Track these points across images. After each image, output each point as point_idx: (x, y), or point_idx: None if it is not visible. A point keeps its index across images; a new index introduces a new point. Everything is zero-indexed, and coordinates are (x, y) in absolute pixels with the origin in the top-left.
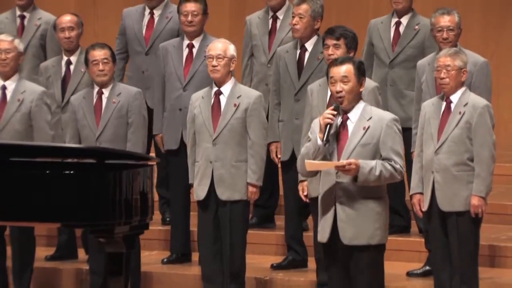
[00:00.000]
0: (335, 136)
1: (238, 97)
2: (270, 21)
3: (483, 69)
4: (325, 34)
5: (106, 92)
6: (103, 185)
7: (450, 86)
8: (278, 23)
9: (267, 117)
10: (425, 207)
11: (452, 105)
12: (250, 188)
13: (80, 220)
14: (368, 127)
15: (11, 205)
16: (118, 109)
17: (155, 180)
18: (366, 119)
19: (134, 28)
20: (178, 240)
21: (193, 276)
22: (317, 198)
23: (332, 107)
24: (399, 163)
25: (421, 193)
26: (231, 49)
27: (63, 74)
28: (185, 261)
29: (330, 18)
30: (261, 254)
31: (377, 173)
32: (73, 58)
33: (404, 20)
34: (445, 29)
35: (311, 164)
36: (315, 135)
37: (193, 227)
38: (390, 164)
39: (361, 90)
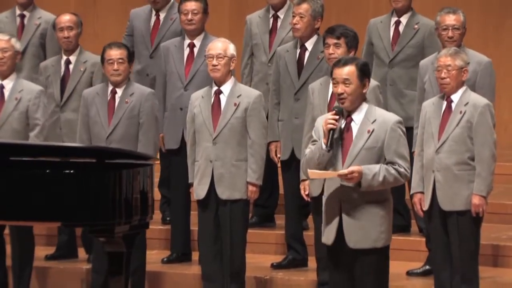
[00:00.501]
0: (339, 138)
1: (238, 97)
2: (271, 20)
3: (488, 69)
4: (326, 33)
5: (119, 91)
6: (103, 185)
7: (451, 86)
8: (279, 22)
9: (267, 117)
10: (425, 207)
11: (453, 105)
12: (250, 187)
13: (80, 220)
14: (373, 130)
15: (11, 205)
16: (130, 109)
17: (157, 180)
18: (371, 121)
19: (142, 30)
20: (179, 240)
21: (193, 275)
22: (318, 197)
23: (334, 111)
24: (404, 166)
25: (422, 193)
26: (231, 49)
27: (62, 73)
28: (185, 261)
29: (330, 18)
30: (261, 253)
31: (380, 178)
32: (72, 58)
33: (404, 19)
34: (450, 28)
35: (314, 174)
36: (318, 134)
37: (194, 226)
38: (394, 168)
39: (364, 91)
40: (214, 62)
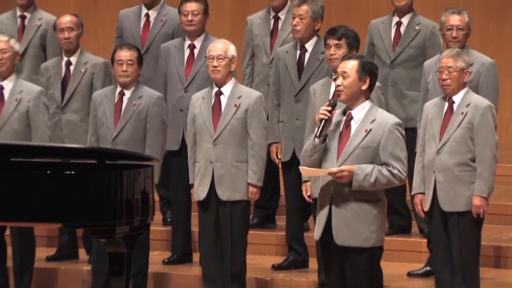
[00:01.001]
0: (338, 135)
1: (238, 98)
2: (272, 21)
3: (491, 70)
4: (327, 34)
5: (127, 93)
6: (104, 186)
7: (452, 87)
8: (280, 23)
9: (268, 118)
10: (426, 207)
11: (455, 106)
12: (251, 189)
13: (81, 221)
14: (370, 130)
15: (12, 206)
16: (137, 112)
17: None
18: (370, 121)
19: (132, 31)
20: (179, 241)
21: (194, 276)
22: None
23: (328, 103)
24: (398, 168)
25: (423, 193)
26: (232, 50)
27: (63, 74)
28: (186, 261)
29: (330, 19)
30: (262, 255)
31: (372, 179)
32: (73, 59)
33: (405, 20)
34: (454, 28)
35: (304, 170)
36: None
37: (194, 227)
38: (388, 170)
39: (363, 88)
40: (215, 63)
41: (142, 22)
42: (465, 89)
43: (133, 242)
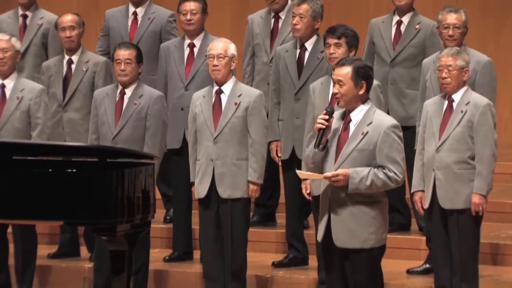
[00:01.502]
0: (337, 137)
1: (239, 96)
2: (272, 20)
3: (487, 68)
4: (326, 33)
5: (128, 92)
6: (105, 184)
7: (451, 86)
8: (280, 22)
9: (268, 116)
10: (426, 205)
11: (454, 104)
12: (251, 186)
13: (82, 218)
14: (367, 133)
15: (14, 204)
16: (138, 111)
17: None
18: (367, 123)
19: (120, 30)
20: (180, 238)
21: (195, 274)
22: (319, 196)
23: (325, 112)
24: (394, 170)
25: (423, 191)
26: (232, 48)
27: (64, 73)
28: (187, 259)
29: (330, 18)
30: (262, 252)
31: (368, 183)
32: (74, 58)
33: (405, 19)
34: (451, 27)
35: (301, 174)
36: None
37: (195, 225)
38: (384, 172)
39: (360, 93)
40: (215, 62)
41: (130, 20)
42: (465, 88)
43: (134, 240)
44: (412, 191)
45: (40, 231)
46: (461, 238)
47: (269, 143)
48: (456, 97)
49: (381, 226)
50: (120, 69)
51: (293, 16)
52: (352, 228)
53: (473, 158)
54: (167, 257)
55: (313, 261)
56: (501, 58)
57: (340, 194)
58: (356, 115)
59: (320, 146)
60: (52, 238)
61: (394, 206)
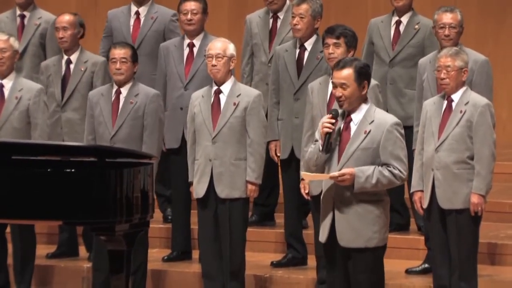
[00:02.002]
0: (338, 137)
1: (237, 96)
2: (271, 20)
3: (484, 67)
4: (325, 33)
5: (124, 91)
6: (104, 183)
7: (450, 86)
8: (279, 22)
9: (266, 116)
10: (425, 205)
11: (453, 104)
12: (249, 186)
13: (81, 218)
14: (369, 131)
15: (13, 203)
16: (134, 110)
17: None
18: (368, 122)
19: (122, 31)
20: (179, 238)
21: (194, 273)
22: (318, 196)
23: (331, 115)
24: (399, 168)
25: (422, 191)
26: (231, 48)
27: (63, 73)
28: (185, 259)
29: (329, 18)
30: (261, 252)
31: (373, 181)
32: (73, 57)
33: (404, 19)
34: (447, 26)
35: (306, 175)
36: (319, 134)
37: (194, 225)
38: (389, 170)
39: (363, 93)
40: (214, 62)
41: (132, 20)
42: (464, 88)
43: (132, 240)
44: (411, 191)
45: (38, 231)
46: (460, 237)
47: (268, 143)
48: (455, 97)
49: (384, 225)
50: (116, 68)
51: (292, 16)
52: (356, 227)
53: (472, 158)
54: (166, 257)
55: (311, 261)
56: (500, 58)
57: (345, 194)
58: (357, 115)
59: (327, 149)
60: (50, 237)
61: (393, 206)
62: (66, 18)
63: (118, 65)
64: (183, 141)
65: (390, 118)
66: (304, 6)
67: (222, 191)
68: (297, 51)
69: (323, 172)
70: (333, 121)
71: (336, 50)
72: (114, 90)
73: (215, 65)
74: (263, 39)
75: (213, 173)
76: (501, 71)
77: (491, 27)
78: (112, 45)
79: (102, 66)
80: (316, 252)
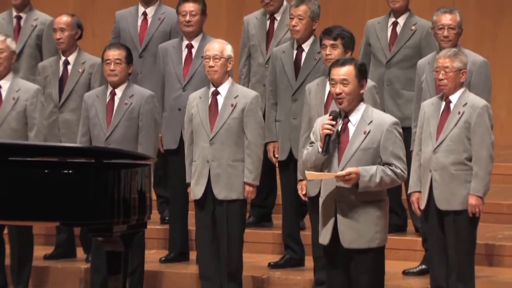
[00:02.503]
0: (336, 139)
1: (235, 97)
2: (268, 21)
3: (482, 69)
4: (323, 34)
5: (119, 92)
6: (101, 184)
7: (448, 87)
8: (276, 24)
9: (264, 117)
10: (422, 206)
11: (452, 105)
12: (247, 188)
13: (78, 219)
14: (369, 132)
15: (10, 205)
16: (129, 111)
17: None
18: (367, 122)
19: (129, 31)
20: (177, 239)
21: (191, 274)
22: (315, 197)
23: (331, 117)
24: (400, 167)
25: (420, 192)
26: (228, 50)
27: (60, 74)
28: (183, 260)
29: (327, 19)
30: (259, 253)
31: (377, 180)
32: (71, 58)
33: (401, 20)
34: (446, 27)
35: (311, 175)
36: (316, 136)
37: (191, 226)
38: (391, 169)
39: (361, 92)
40: (211, 63)
41: (140, 20)
42: (462, 89)
43: (130, 241)
44: (409, 191)
45: (36, 232)
46: (458, 239)
47: (266, 144)
48: (454, 98)
49: (385, 225)
50: (110, 69)
51: (291, 18)
52: (359, 228)
53: (470, 160)
54: (163, 258)
55: (309, 262)
56: (498, 58)
57: (347, 196)
58: (355, 116)
59: (327, 151)
60: (48, 239)
61: (391, 207)
62: (64, 19)
63: (112, 66)
64: (181, 142)
65: (389, 118)
66: (302, 8)
67: (220, 193)
68: (295, 52)
69: (320, 171)
70: (334, 122)
71: (333, 52)
72: (108, 91)
73: (213, 66)
74: (260, 41)
75: (210, 174)
76: (500, 72)
77: (489, 28)
78: (106, 47)
79: (99, 68)
80: (314, 253)
